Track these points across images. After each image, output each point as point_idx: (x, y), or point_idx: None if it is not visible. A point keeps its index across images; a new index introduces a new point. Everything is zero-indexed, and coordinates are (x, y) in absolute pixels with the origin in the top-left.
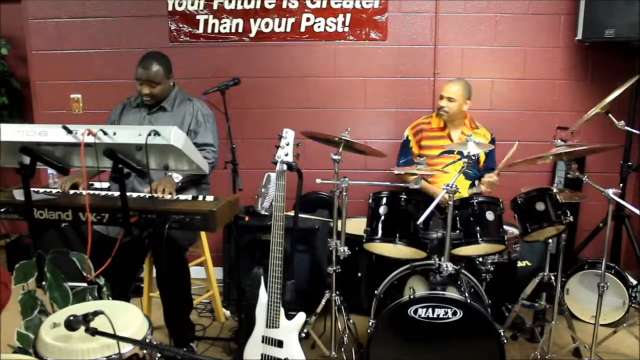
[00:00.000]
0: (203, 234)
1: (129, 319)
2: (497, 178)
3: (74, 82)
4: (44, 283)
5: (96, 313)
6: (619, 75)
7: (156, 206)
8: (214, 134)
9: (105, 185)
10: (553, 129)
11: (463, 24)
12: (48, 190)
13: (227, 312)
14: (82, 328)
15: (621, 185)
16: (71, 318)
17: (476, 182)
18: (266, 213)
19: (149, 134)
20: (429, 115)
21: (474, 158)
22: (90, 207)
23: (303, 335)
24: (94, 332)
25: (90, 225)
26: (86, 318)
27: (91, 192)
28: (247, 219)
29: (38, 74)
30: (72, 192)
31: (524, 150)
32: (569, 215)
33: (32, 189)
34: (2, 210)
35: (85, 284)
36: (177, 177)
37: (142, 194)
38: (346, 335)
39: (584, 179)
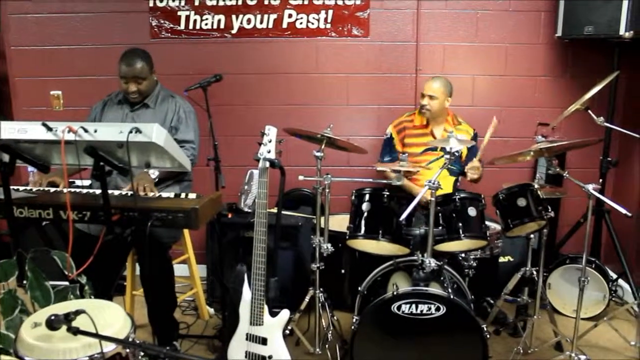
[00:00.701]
0: (186, 231)
1: (112, 317)
2: (478, 163)
3: (54, 79)
4: (25, 282)
5: (78, 312)
6: (599, 71)
7: (138, 204)
8: (195, 131)
9: (87, 182)
10: (534, 125)
11: (444, 20)
12: (28, 188)
13: (211, 310)
14: (64, 327)
15: (601, 180)
16: (52, 317)
17: (460, 177)
18: (249, 210)
19: (131, 132)
20: (411, 112)
21: (456, 154)
22: (71, 205)
23: (287, 332)
24: (75, 331)
25: (71, 223)
26: (68, 317)
27: (72, 190)
28: (230, 216)
29: (17, 70)
30: (52, 190)
31: (505, 146)
32: (550, 210)
33: (11, 187)
34: None
35: (67, 283)
36: (154, 173)
37: (123, 192)
38: (330, 332)
39: (564, 174)
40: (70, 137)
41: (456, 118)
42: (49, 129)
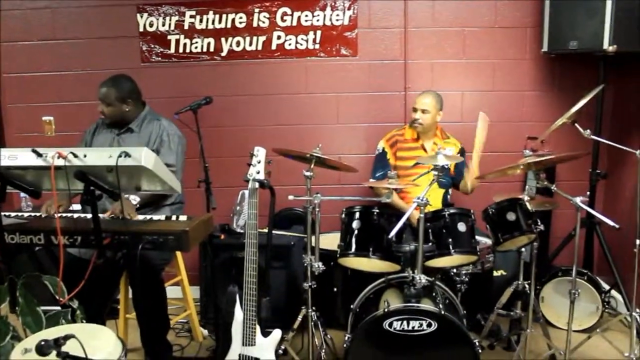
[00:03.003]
0: (179, 253)
1: (102, 341)
2: (473, 169)
3: (45, 105)
4: (17, 308)
5: (67, 337)
6: (585, 85)
7: (129, 227)
8: (178, 155)
9: (78, 207)
10: (523, 139)
11: (432, 38)
12: (20, 214)
13: (205, 332)
14: (54, 353)
15: (588, 193)
16: (42, 343)
17: (450, 190)
18: (242, 231)
19: (120, 156)
20: (401, 127)
21: (446, 167)
22: (62, 230)
23: (281, 351)
24: (65, 356)
25: (62, 248)
26: (57, 342)
27: (63, 214)
28: (222, 237)
29: (9, 97)
30: (44, 215)
31: (495, 160)
32: (539, 224)
33: (3, 213)
34: None
35: (58, 308)
36: (135, 199)
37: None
38: (324, 351)
39: (552, 187)
40: (60, 162)
41: (444, 132)
42: (39, 155)
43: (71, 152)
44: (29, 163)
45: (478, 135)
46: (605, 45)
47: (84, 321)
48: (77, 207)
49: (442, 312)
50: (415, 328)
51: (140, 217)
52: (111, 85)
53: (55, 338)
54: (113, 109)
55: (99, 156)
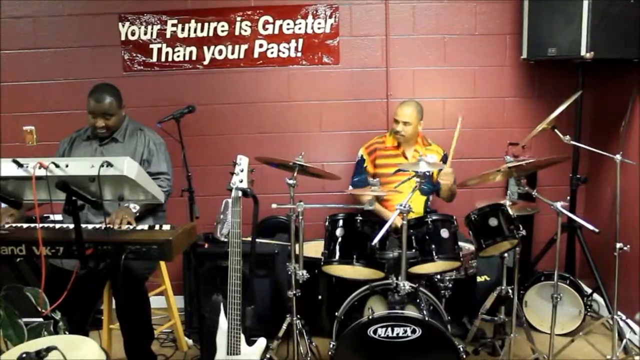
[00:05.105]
0: (162, 263)
1: (85, 353)
2: (450, 170)
3: (27, 114)
4: None
5: (49, 349)
6: (564, 91)
7: (111, 237)
8: (168, 162)
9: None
10: (505, 145)
11: (413, 46)
12: (1, 224)
13: (190, 341)
14: None
15: (568, 197)
16: (24, 355)
17: (431, 197)
18: (226, 239)
19: (102, 165)
20: (382, 135)
21: (427, 174)
22: (44, 240)
23: None
24: None
25: (44, 259)
26: (39, 355)
27: (45, 225)
28: (206, 246)
29: None
30: (25, 226)
31: (477, 167)
32: (521, 229)
33: None
34: None
35: (40, 320)
36: (135, 207)
37: (97, 226)
38: (309, 358)
39: (533, 193)
40: (42, 172)
41: (426, 139)
42: (20, 165)
43: (52, 162)
44: (10, 173)
45: (455, 137)
46: (583, 52)
47: (67, 332)
48: (58, 217)
49: (426, 318)
50: (400, 334)
51: (138, 226)
52: (110, 95)
53: (37, 350)
54: (116, 118)
55: (81, 166)
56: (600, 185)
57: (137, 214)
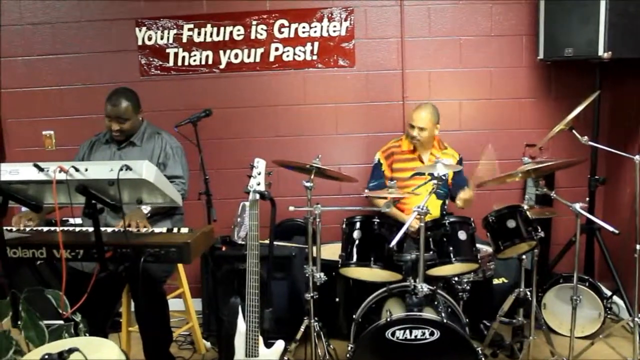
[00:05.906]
0: (181, 265)
1: (105, 354)
2: (472, 193)
3: (46, 119)
4: (19, 323)
5: (71, 350)
6: (581, 91)
7: (130, 240)
8: (183, 166)
9: (79, 220)
10: (522, 147)
11: (429, 48)
12: (22, 228)
13: (208, 344)
14: None
15: (587, 199)
16: (46, 357)
17: (447, 201)
18: (243, 242)
19: (121, 169)
20: (398, 138)
21: (444, 178)
22: (64, 243)
23: None
24: None
25: (64, 262)
26: (61, 356)
27: (65, 228)
28: (224, 249)
29: (8, 112)
30: (45, 229)
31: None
32: (540, 231)
33: (5, 228)
34: None
35: (61, 322)
36: (146, 209)
37: (116, 229)
38: None
39: (551, 194)
40: (62, 176)
41: (442, 143)
42: (41, 169)
43: (72, 166)
44: (31, 177)
45: (482, 167)
46: (601, 52)
47: (87, 334)
48: (78, 220)
49: (445, 321)
50: (418, 337)
51: (156, 229)
52: (126, 99)
53: (59, 352)
54: (131, 122)
55: (100, 170)
56: (619, 186)
57: (148, 215)
